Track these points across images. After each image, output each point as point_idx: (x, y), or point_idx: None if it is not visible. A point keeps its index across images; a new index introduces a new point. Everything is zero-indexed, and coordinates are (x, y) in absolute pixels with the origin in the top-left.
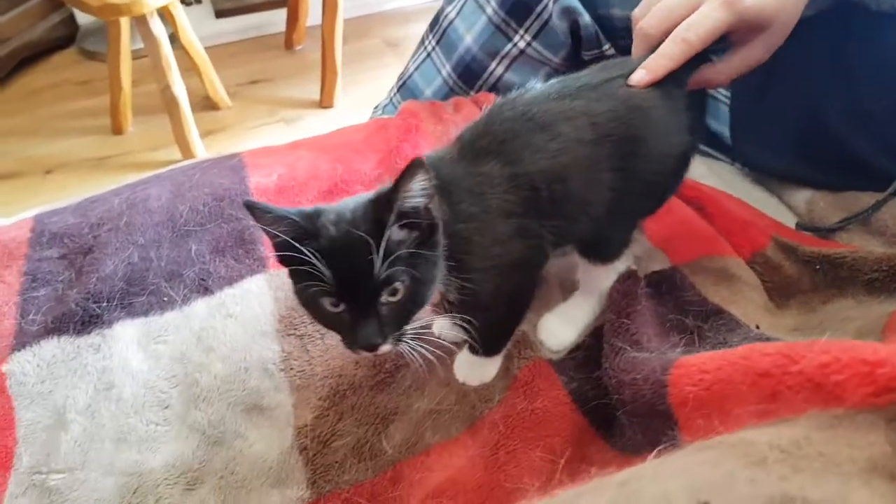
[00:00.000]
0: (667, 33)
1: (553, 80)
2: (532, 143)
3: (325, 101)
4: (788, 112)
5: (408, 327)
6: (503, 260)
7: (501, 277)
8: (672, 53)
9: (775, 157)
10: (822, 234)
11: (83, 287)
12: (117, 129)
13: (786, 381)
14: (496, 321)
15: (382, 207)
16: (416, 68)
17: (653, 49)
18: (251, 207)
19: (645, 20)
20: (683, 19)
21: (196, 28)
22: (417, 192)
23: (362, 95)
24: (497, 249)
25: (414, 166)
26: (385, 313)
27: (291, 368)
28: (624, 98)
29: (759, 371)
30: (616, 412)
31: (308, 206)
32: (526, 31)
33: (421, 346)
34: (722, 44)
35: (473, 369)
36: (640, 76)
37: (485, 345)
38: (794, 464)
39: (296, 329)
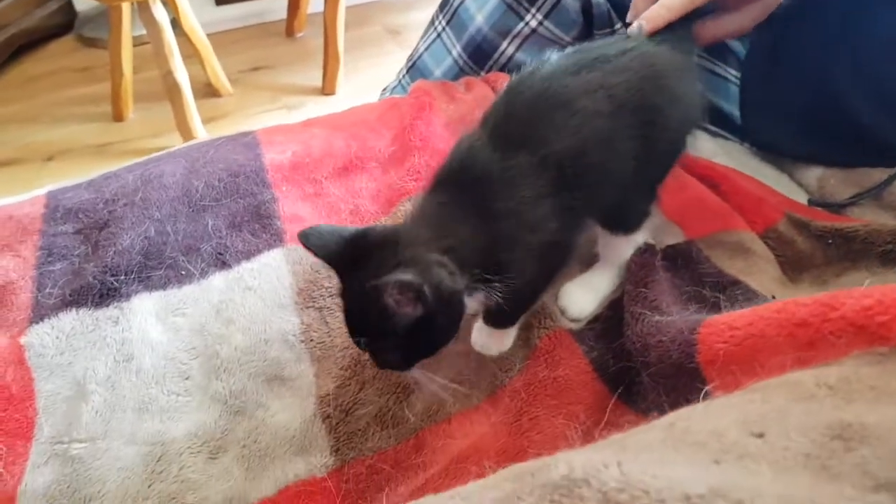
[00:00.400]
0: None
1: (568, 51)
2: (553, 121)
3: (327, 88)
4: (798, 89)
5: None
6: (542, 242)
7: (541, 261)
8: (672, 4)
9: (786, 136)
10: (834, 209)
11: (100, 261)
12: (118, 116)
13: (825, 328)
14: (521, 298)
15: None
16: (426, 48)
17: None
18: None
19: None
20: None
21: (197, 15)
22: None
23: (364, 82)
24: (535, 237)
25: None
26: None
27: (311, 340)
28: (638, 69)
29: (796, 321)
30: (638, 377)
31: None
32: (538, 9)
33: None
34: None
35: (492, 339)
36: (637, 27)
37: (505, 318)
38: (845, 396)
39: (314, 301)
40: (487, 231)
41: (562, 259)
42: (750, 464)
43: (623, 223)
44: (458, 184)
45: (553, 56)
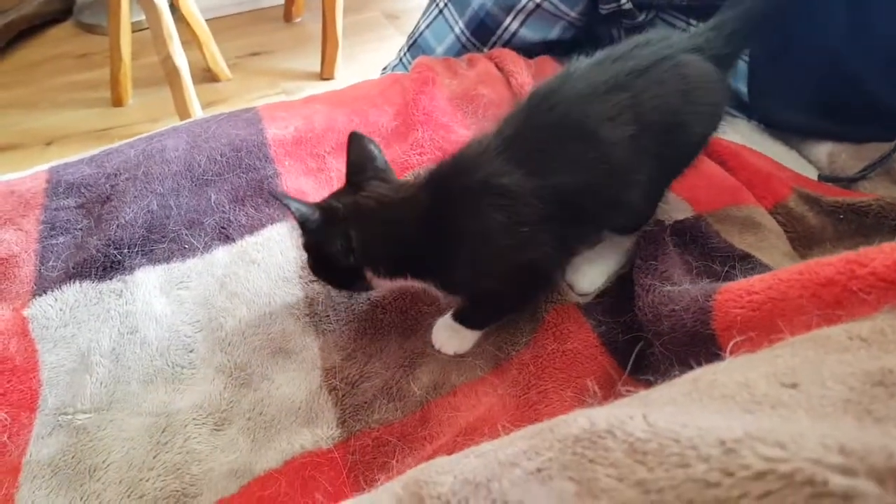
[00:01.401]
0: None
1: (601, 56)
2: (569, 153)
3: (325, 73)
4: (808, 65)
5: None
6: (513, 267)
7: (512, 284)
8: None
9: (796, 112)
10: (845, 184)
11: (103, 234)
12: (117, 101)
13: (853, 285)
14: (495, 306)
15: None
16: (428, 26)
17: None
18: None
19: None
20: None
21: (195, 1)
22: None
23: (363, 67)
24: (502, 263)
25: None
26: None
27: (316, 313)
28: (671, 82)
29: (821, 281)
30: (649, 349)
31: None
32: None
33: None
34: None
35: (452, 337)
36: None
37: (474, 320)
38: (881, 347)
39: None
40: (464, 233)
41: (541, 285)
42: (785, 412)
43: (629, 227)
44: (446, 188)
45: (583, 63)
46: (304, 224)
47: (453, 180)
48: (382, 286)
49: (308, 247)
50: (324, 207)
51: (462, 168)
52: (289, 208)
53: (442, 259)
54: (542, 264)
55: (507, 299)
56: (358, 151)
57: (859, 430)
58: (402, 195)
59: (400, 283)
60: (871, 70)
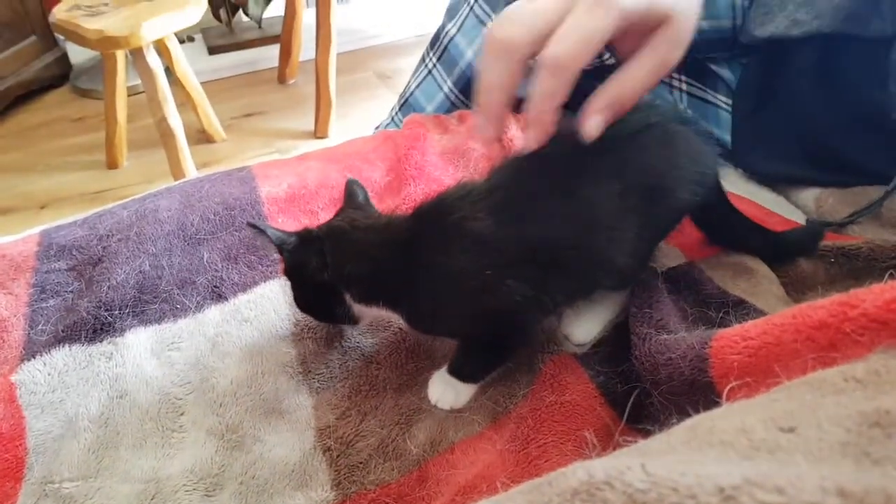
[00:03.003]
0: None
1: None
2: (549, 207)
3: (319, 132)
4: (788, 121)
5: None
6: (476, 307)
7: (476, 323)
8: (548, 90)
9: (780, 163)
10: (834, 228)
11: (94, 296)
12: (112, 164)
13: (845, 327)
14: (475, 353)
15: None
16: (418, 86)
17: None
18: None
19: (498, 30)
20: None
21: (190, 65)
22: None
23: (356, 126)
24: (471, 297)
25: None
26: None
27: (310, 371)
28: (661, 150)
29: (814, 324)
30: (648, 399)
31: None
32: None
33: None
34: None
35: (447, 391)
36: (528, 140)
37: (462, 369)
38: (877, 388)
39: (313, 332)
40: (405, 271)
41: (517, 337)
42: (783, 457)
43: (618, 286)
44: (421, 220)
45: (574, 123)
46: (281, 247)
47: (430, 214)
48: (363, 315)
49: (288, 272)
50: (300, 233)
51: (441, 205)
52: (265, 233)
53: (409, 289)
54: (513, 314)
55: (486, 348)
56: (347, 193)
57: (857, 472)
58: (375, 221)
59: (376, 312)
60: (846, 140)
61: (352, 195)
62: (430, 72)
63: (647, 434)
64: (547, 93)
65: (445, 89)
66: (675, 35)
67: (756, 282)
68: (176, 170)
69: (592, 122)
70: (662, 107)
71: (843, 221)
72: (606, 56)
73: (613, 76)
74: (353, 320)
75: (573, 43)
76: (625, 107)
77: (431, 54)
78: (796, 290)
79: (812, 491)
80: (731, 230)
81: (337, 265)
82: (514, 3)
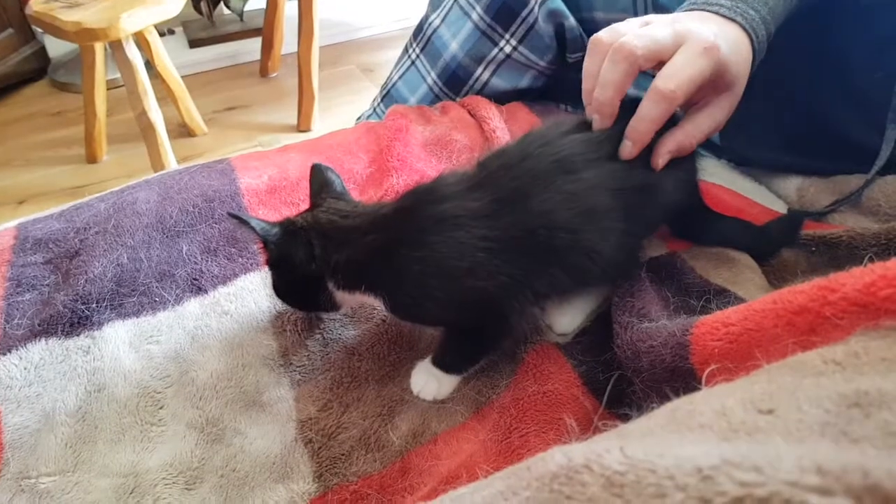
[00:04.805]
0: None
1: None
2: (543, 190)
3: (302, 126)
4: (777, 105)
5: None
6: (459, 290)
7: (457, 308)
8: (652, 115)
9: (765, 150)
10: (815, 217)
11: (71, 289)
12: (91, 158)
13: (825, 311)
14: (459, 344)
15: None
16: (401, 77)
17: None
18: None
19: (620, 39)
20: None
21: (170, 59)
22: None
23: (339, 119)
24: (454, 278)
25: None
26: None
27: (291, 363)
28: (645, 149)
29: (794, 309)
30: (630, 387)
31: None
32: (512, 35)
33: None
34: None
35: (430, 382)
36: (627, 148)
37: (445, 360)
38: (856, 369)
39: (294, 325)
40: (389, 255)
41: (499, 326)
42: (762, 438)
43: (604, 281)
44: (410, 205)
45: (573, 119)
46: (265, 238)
47: (420, 199)
48: (345, 301)
49: (271, 263)
50: (283, 223)
51: (431, 190)
52: (248, 224)
53: (396, 274)
54: (495, 301)
55: (469, 340)
56: (318, 180)
57: (836, 451)
58: (363, 209)
59: (359, 298)
60: (845, 112)
61: (328, 183)
62: (413, 63)
63: (627, 419)
64: (650, 116)
65: (429, 81)
66: (735, 101)
67: (738, 271)
68: (157, 164)
69: (660, 160)
70: None
71: (824, 211)
72: None
73: (682, 125)
74: (335, 307)
75: (683, 81)
76: (686, 151)
77: (415, 45)
78: (778, 279)
79: (790, 469)
80: (711, 231)
81: (325, 254)
82: (626, 21)
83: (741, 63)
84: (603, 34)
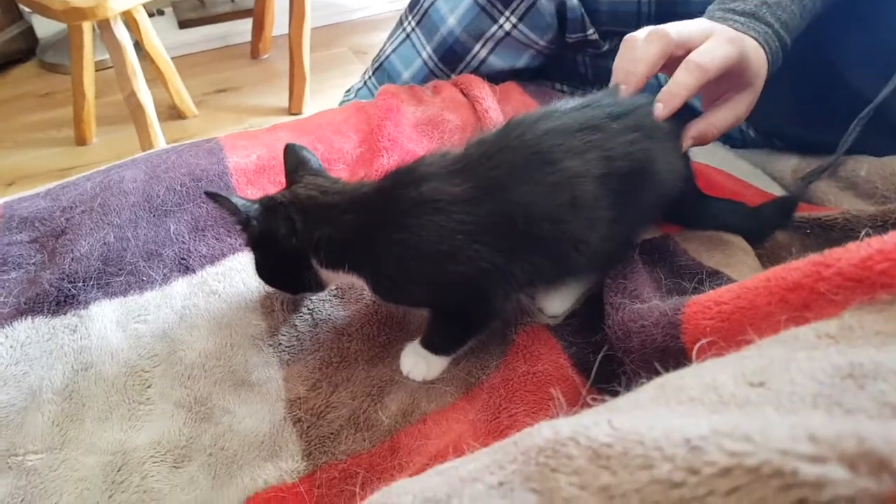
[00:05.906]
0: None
1: (585, 103)
2: (526, 178)
3: (293, 108)
4: (791, 72)
5: None
6: (441, 273)
7: (440, 291)
8: (687, 82)
9: (773, 117)
10: (808, 199)
11: (57, 268)
12: (81, 140)
13: (820, 286)
14: (446, 325)
15: None
16: (394, 50)
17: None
18: None
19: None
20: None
21: (160, 39)
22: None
23: (331, 103)
24: (436, 261)
25: None
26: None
27: (280, 343)
28: (650, 130)
29: (788, 286)
30: (621, 368)
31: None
32: (512, 12)
33: None
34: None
35: (419, 363)
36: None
37: (434, 341)
38: (850, 342)
39: (283, 305)
40: (371, 234)
41: (482, 308)
42: (753, 410)
43: (592, 269)
44: (392, 185)
45: (568, 103)
46: (246, 214)
47: (403, 178)
48: (330, 280)
49: (252, 242)
50: (262, 201)
51: (415, 170)
52: (227, 202)
53: (375, 252)
54: (477, 284)
55: (455, 321)
56: (293, 160)
57: (830, 420)
58: (344, 185)
59: (344, 277)
60: (870, 73)
61: (303, 161)
62: (408, 36)
63: (614, 395)
64: (684, 82)
65: (424, 55)
66: (754, 99)
67: (731, 253)
68: (146, 146)
69: (684, 144)
70: (646, 94)
71: (809, 178)
72: (591, 31)
73: (705, 115)
74: (320, 286)
75: (716, 58)
76: (706, 140)
77: (410, 18)
78: (772, 261)
79: (781, 438)
80: (705, 214)
81: (307, 230)
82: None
83: (760, 64)
84: (636, 32)
